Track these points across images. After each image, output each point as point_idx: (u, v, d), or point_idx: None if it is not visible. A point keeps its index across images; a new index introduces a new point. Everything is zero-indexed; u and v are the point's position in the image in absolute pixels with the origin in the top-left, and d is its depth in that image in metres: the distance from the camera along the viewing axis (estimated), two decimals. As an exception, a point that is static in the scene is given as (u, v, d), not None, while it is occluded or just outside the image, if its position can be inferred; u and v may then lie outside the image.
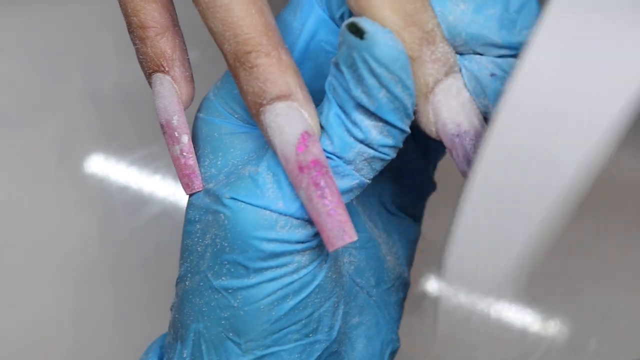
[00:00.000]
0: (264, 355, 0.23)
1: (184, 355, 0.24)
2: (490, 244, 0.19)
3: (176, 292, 0.25)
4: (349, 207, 0.22)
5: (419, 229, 0.30)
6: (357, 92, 0.21)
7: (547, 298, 0.40)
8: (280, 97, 0.21)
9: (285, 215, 0.22)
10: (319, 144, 0.21)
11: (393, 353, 0.28)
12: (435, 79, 0.21)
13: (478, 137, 0.21)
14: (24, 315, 0.39)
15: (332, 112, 0.22)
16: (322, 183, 0.21)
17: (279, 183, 0.22)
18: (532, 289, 0.40)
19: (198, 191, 0.24)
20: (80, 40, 0.43)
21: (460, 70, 0.22)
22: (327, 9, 0.23)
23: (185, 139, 0.24)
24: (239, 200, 0.22)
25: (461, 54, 0.22)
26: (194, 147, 0.24)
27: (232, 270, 0.23)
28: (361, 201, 0.27)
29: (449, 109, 0.21)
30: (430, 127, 0.22)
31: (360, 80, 0.21)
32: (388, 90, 0.21)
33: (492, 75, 0.22)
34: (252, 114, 0.22)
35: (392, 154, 0.22)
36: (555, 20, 0.17)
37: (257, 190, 0.22)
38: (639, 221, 0.41)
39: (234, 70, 0.22)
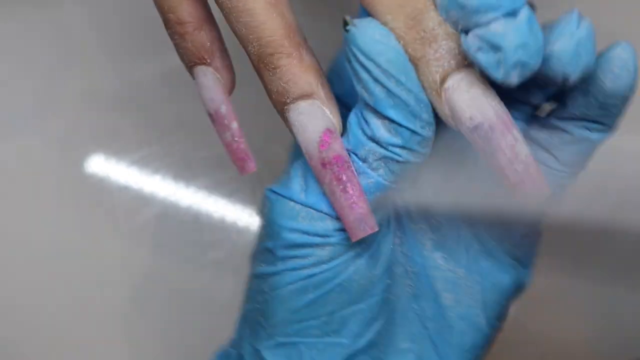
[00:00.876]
0: (285, 343, 0.24)
1: (240, 333, 0.26)
2: None
3: None
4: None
5: (523, 278, 0.27)
6: (358, 88, 0.22)
7: (547, 298, 0.40)
8: (302, 96, 0.22)
9: (306, 206, 0.23)
10: (340, 141, 0.23)
11: None
12: (442, 76, 0.21)
13: (492, 130, 0.21)
14: (24, 315, 0.39)
15: (354, 110, 0.23)
16: (344, 178, 0.22)
17: (305, 177, 0.24)
18: (533, 288, 0.40)
19: (251, 172, 0.25)
20: (81, 40, 0.43)
21: (473, 65, 0.22)
22: None
23: (235, 125, 0.25)
24: (274, 191, 0.24)
25: (466, 32, 0.21)
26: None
27: (266, 257, 0.24)
28: (444, 228, 0.27)
29: (461, 104, 0.21)
30: (450, 122, 0.22)
31: (355, 74, 0.22)
32: (383, 85, 0.21)
33: None
34: (278, 112, 0.23)
35: (407, 156, 0.22)
36: None
37: (288, 182, 0.24)
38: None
39: (258, 71, 0.23)
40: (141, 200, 0.41)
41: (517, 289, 0.27)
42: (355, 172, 0.22)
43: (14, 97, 0.42)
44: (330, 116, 0.23)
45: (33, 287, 0.40)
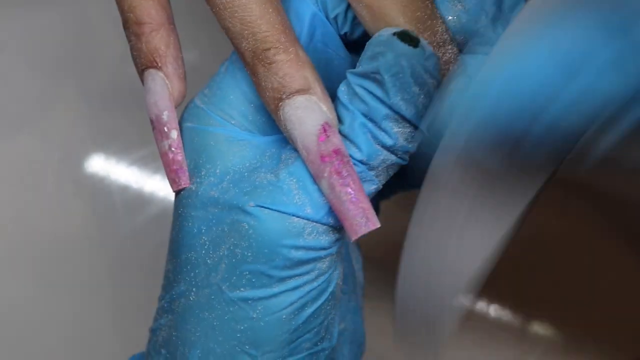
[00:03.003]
0: None
1: None
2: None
3: (167, 310, 0.25)
4: None
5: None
6: (396, 100, 0.21)
7: (547, 297, 0.40)
8: (299, 91, 0.22)
9: (313, 221, 0.22)
10: (339, 135, 0.22)
11: (362, 352, 0.29)
12: (449, 79, 0.22)
13: None
14: (24, 315, 0.39)
15: (357, 122, 0.22)
16: (344, 172, 0.21)
17: (305, 188, 0.22)
18: (533, 288, 0.40)
19: (184, 188, 0.24)
20: (80, 40, 0.43)
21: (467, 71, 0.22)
22: (322, 9, 0.24)
23: (175, 134, 0.24)
24: (264, 207, 0.22)
25: (463, 53, 0.23)
26: (186, 159, 0.24)
27: (254, 280, 0.22)
28: None
29: None
30: None
31: (403, 88, 0.21)
32: (427, 96, 0.21)
33: None
34: (270, 109, 0.22)
35: (407, 160, 0.23)
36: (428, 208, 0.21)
37: (283, 196, 0.22)
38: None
39: (252, 67, 0.22)
40: (141, 200, 0.41)
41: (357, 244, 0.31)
42: (354, 167, 0.22)
43: (14, 97, 0.42)
44: (327, 112, 0.22)
45: (33, 287, 0.40)
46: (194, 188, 0.23)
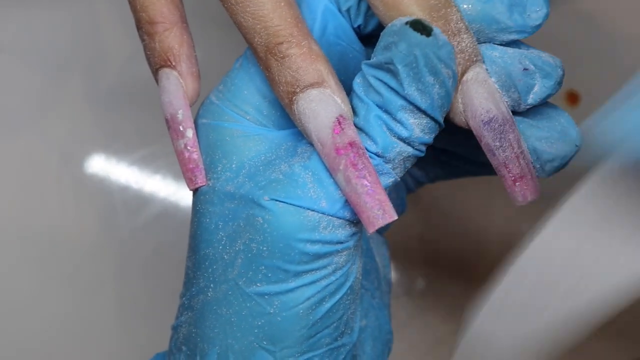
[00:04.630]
0: None
1: None
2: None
3: (187, 307, 0.25)
4: None
5: (385, 239, 0.31)
6: (411, 90, 0.21)
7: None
8: (313, 85, 0.22)
9: (329, 215, 0.22)
10: (354, 127, 0.22)
11: (389, 350, 0.28)
12: (463, 68, 0.22)
13: (505, 124, 0.22)
14: (24, 315, 0.39)
15: (372, 114, 0.22)
16: (360, 164, 0.21)
17: (321, 182, 0.22)
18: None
19: (201, 186, 0.24)
20: (82, 40, 0.43)
21: (484, 61, 0.22)
22: (334, 1, 0.23)
23: (190, 133, 0.24)
24: (279, 201, 0.22)
25: (479, 42, 0.22)
26: (202, 155, 0.24)
27: (270, 275, 0.22)
28: None
29: (479, 96, 0.22)
30: (460, 116, 0.22)
31: (417, 77, 0.21)
32: (442, 86, 0.21)
33: (525, 69, 0.22)
34: (284, 104, 0.22)
35: (424, 152, 0.23)
36: (574, 212, 0.20)
37: (298, 190, 0.22)
38: None
39: (265, 62, 0.22)
40: (141, 200, 0.41)
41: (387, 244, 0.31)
42: (369, 159, 0.21)
43: (14, 97, 0.42)
44: (342, 104, 0.22)
45: (33, 287, 0.40)
46: (210, 184, 0.23)
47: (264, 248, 0.22)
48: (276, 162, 0.23)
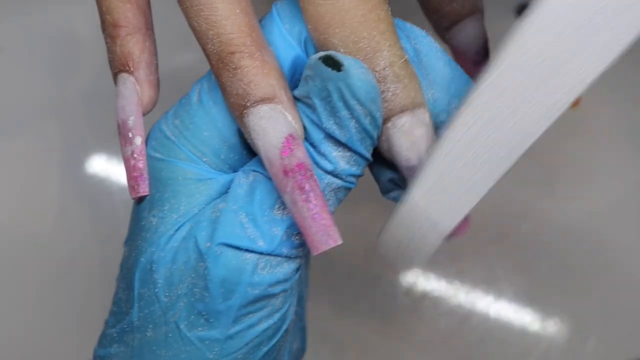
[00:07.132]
0: None
1: None
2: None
3: (118, 340, 0.24)
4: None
5: None
6: (329, 124, 0.21)
7: (547, 298, 0.40)
8: (264, 100, 0.21)
9: (267, 254, 0.21)
10: (303, 148, 0.21)
11: (304, 352, 0.29)
12: (386, 116, 0.21)
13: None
14: (25, 315, 0.39)
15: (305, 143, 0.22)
16: (307, 187, 0.20)
17: (255, 221, 0.21)
18: (533, 289, 0.40)
19: (144, 195, 0.23)
20: (81, 40, 0.43)
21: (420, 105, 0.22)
22: (304, 50, 0.23)
23: (139, 140, 0.23)
24: (221, 244, 0.21)
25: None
26: (150, 189, 0.23)
27: (212, 320, 0.22)
28: None
29: (400, 145, 0.21)
30: (386, 154, 0.22)
31: (333, 112, 0.20)
32: (358, 122, 0.21)
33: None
34: (235, 116, 0.22)
35: (356, 183, 0.22)
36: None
37: (237, 230, 0.21)
38: None
39: (217, 71, 0.21)
40: (141, 200, 0.41)
41: None
42: (317, 181, 0.21)
43: (14, 98, 0.42)
44: (292, 122, 0.21)
45: (34, 286, 0.40)
46: (154, 223, 0.23)
47: (206, 294, 0.22)
48: (219, 205, 0.22)
